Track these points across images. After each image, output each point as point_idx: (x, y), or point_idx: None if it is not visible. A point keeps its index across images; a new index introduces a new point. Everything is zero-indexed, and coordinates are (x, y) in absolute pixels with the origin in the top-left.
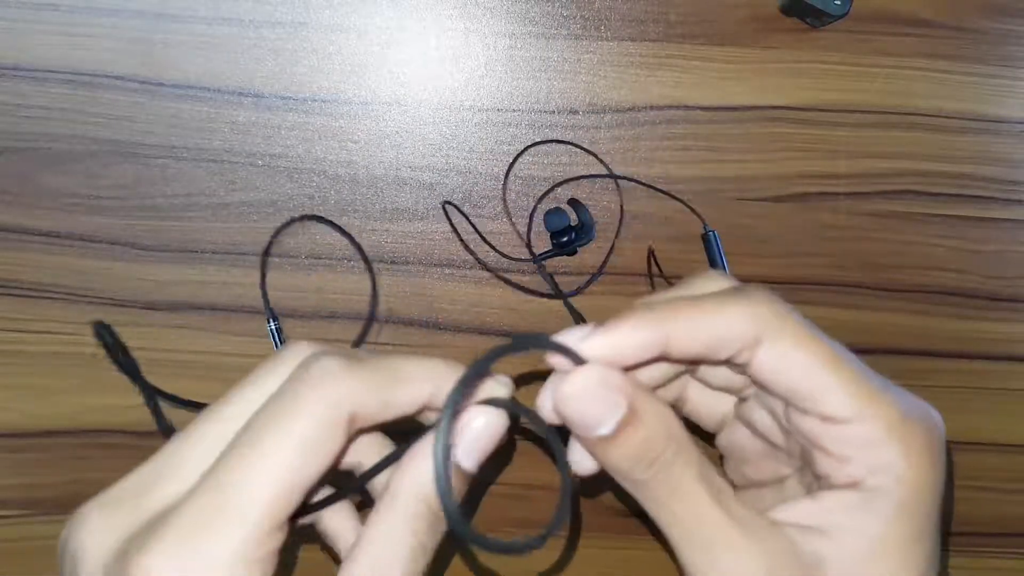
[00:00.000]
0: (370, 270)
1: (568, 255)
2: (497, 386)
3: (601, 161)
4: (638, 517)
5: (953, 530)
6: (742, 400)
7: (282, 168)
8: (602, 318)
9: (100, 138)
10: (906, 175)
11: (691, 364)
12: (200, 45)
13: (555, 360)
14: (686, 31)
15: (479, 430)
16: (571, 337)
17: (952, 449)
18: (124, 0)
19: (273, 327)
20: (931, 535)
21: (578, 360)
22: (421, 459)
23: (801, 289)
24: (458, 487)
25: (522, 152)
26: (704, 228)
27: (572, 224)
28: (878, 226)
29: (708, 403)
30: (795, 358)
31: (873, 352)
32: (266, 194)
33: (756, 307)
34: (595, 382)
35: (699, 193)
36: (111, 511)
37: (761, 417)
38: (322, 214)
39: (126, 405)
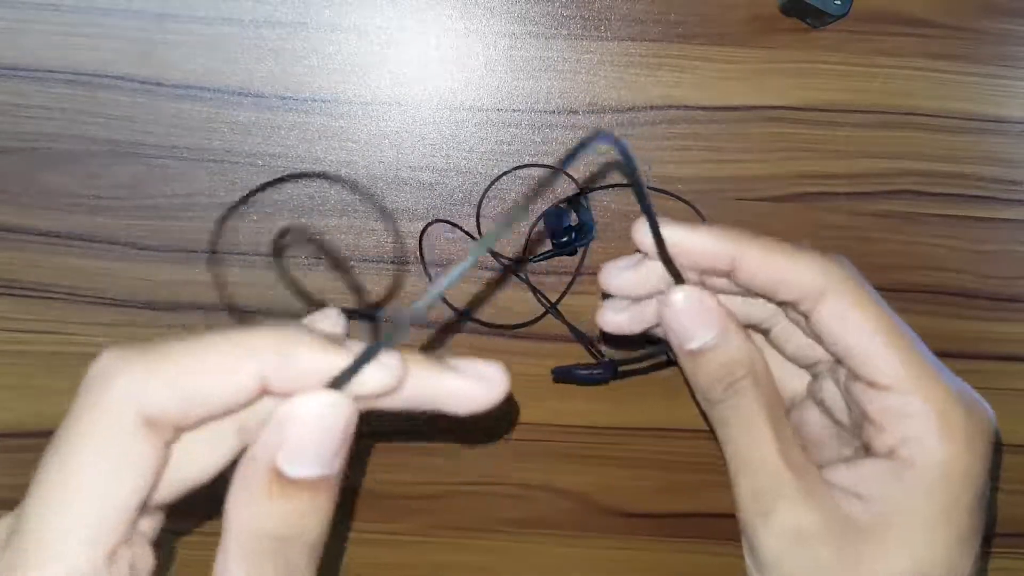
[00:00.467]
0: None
1: (568, 255)
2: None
3: (570, 177)
4: (638, 517)
5: None
6: (814, 377)
7: (282, 168)
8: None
9: (100, 138)
10: (906, 175)
11: (757, 292)
12: (200, 45)
13: (641, 238)
14: (686, 31)
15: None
16: (667, 226)
17: None
18: (124, 0)
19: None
20: (961, 519)
21: (660, 241)
22: (243, 500)
23: None
24: (286, 509)
25: (495, 181)
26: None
27: (572, 224)
28: (878, 226)
29: (781, 377)
30: (854, 318)
31: None
32: (266, 194)
33: (828, 262)
34: (696, 299)
35: (699, 193)
36: None
37: (830, 392)
38: (322, 214)
39: None
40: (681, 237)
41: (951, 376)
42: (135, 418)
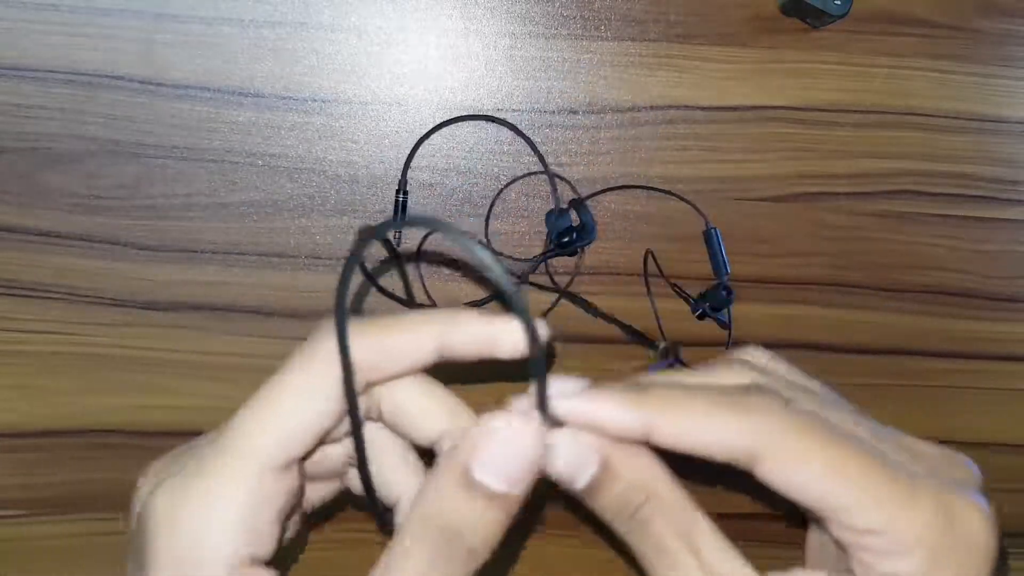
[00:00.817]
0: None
1: (569, 255)
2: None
3: (538, 154)
4: None
5: None
6: None
7: (282, 168)
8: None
9: (100, 138)
10: (906, 175)
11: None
12: (200, 45)
13: (520, 407)
14: (686, 31)
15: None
16: (557, 389)
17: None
18: (124, 0)
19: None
20: None
21: (546, 409)
22: (433, 486)
23: (801, 289)
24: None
25: (430, 133)
26: (706, 225)
27: (574, 225)
28: (878, 226)
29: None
30: (805, 474)
31: (873, 352)
32: (266, 194)
33: (752, 421)
34: (568, 440)
35: (699, 193)
36: (163, 463)
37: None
38: (322, 214)
39: (126, 405)
40: (582, 408)
41: (933, 472)
42: (335, 361)
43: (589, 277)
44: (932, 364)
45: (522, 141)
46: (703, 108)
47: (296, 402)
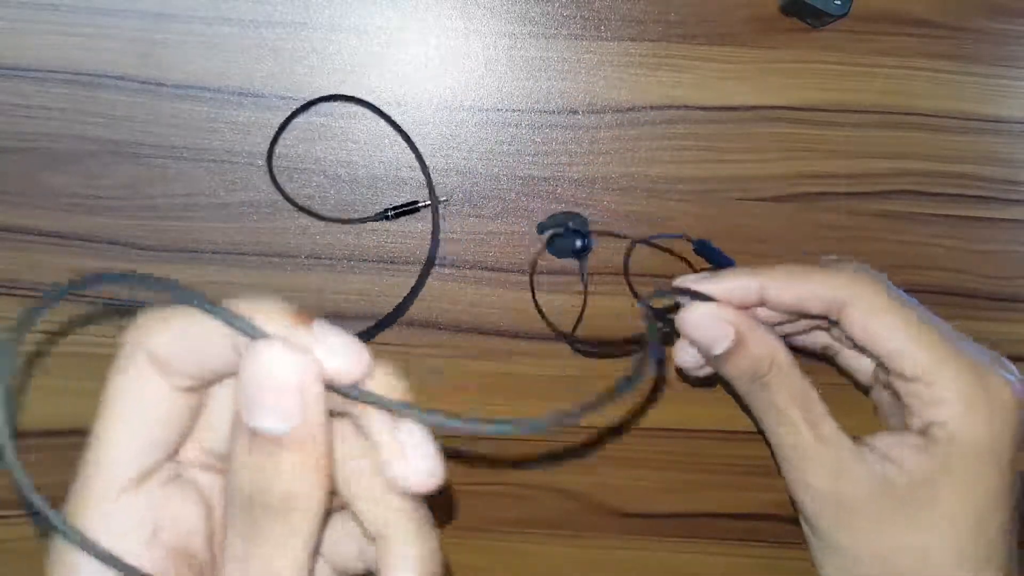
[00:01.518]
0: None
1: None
2: None
3: (414, 147)
4: (638, 517)
5: None
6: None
7: (282, 168)
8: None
9: (100, 138)
10: (906, 175)
11: (791, 313)
12: (200, 45)
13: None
14: (686, 31)
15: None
16: (689, 280)
17: None
18: (124, 0)
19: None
20: (984, 494)
21: (704, 298)
22: (231, 448)
23: None
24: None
25: (288, 120)
26: (691, 241)
27: (576, 248)
28: (878, 226)
29: (852, 358)
30: (874, 323)
31: None
32: (266, 194)
33: (843, 276)
34: (709, 315)
35: (699, 193)
36: None
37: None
38: (322, 214)
39: None
40: (712, 288)
41: (978, 353)
42: (145, 359)
43: (588, 277)
44: None
45: (522, 140)
46: (703, 108)
47: (120, 417)
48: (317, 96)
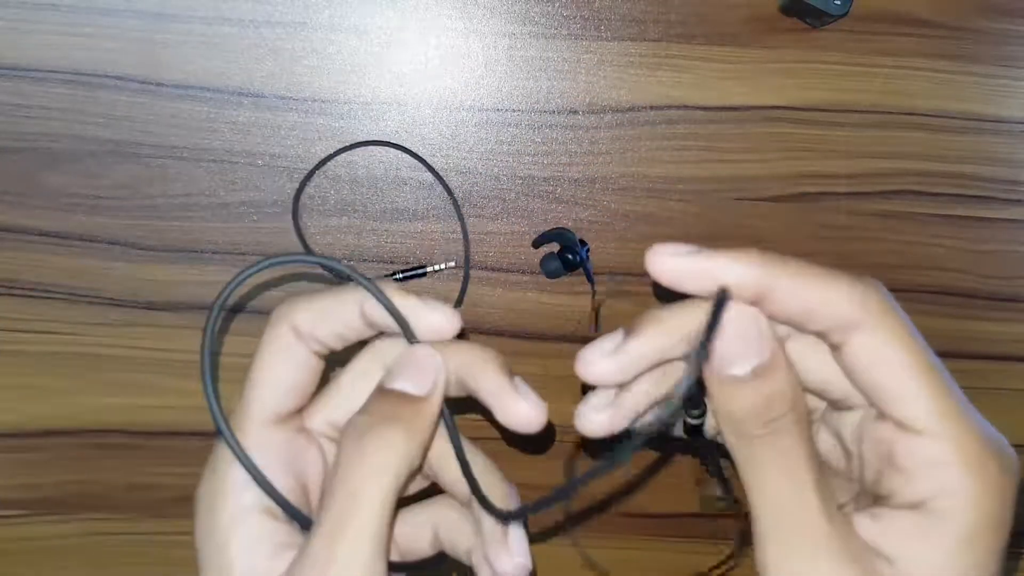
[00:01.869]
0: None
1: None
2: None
3: (431, 169)
4: (638, 517)
5: None
6: (831, 406)
7: (282, 168)
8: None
9: (100, 138)
10: (906, 175)
11: (784, 322)
12: (200, 45)
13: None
14: (686, 31)
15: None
16: (682, 252)
17: None
18: (124, 0)
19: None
20: (989, 569)
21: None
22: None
23: None
24: None
25: (319, 166)
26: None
27: (571, 263)
28: (878, 226)
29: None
30: (890, 353)
31: None
32: (266, 194)
33: (865, 290)
34: (750, 317)
35: (699, 193)
36: None
37: (826, 437)
38: (322, 214)
39: (126, 405)
40: (704, 264)
41: (980, 417)
42: (286, 325)
43: (595, 278)
44: None
45: (522, 140)
46: (703, 108)
47: (268, 368)
48: (316, 96)
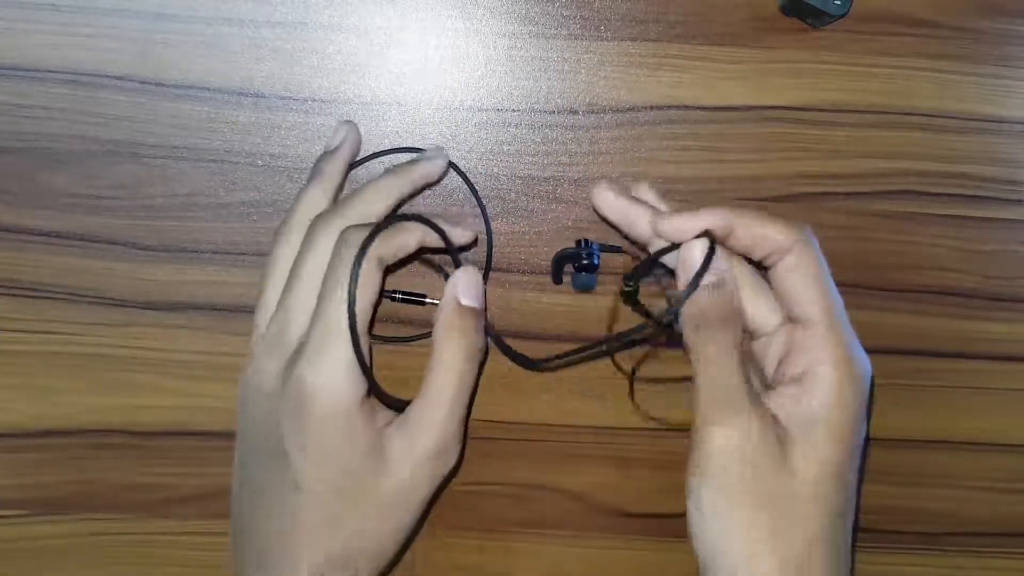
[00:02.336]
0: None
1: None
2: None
3: (467, 181)
4: (638, 517)
5: (953, 530)
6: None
7: (282, 168)
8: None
9: (100, 138)
10: (906, 175)
11: (741, 252)
12: (200, 45)
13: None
14: (686, 31)
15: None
16: (670, 217)
17: (952, 449)
18: (124, 0)
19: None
20: (849, 437)
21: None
22: (443, 307)
23: None
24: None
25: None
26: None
27: (591, 243)
28: (878, 226)
29: (751, 303)
30: (803, 269)
31: (873, 352)
32: (266, 194)
33: (796, 229)
34: (718, 254)
35: (699, 193)
36: (270, 353)
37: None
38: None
39: (126, 405)
40: (693, 221)
41: (854, 336)
42: (373, 262)
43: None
44: (932, 364)
45: (522, 140)
46: (703, 108)
47: (360, 293)
48: (316, 96)
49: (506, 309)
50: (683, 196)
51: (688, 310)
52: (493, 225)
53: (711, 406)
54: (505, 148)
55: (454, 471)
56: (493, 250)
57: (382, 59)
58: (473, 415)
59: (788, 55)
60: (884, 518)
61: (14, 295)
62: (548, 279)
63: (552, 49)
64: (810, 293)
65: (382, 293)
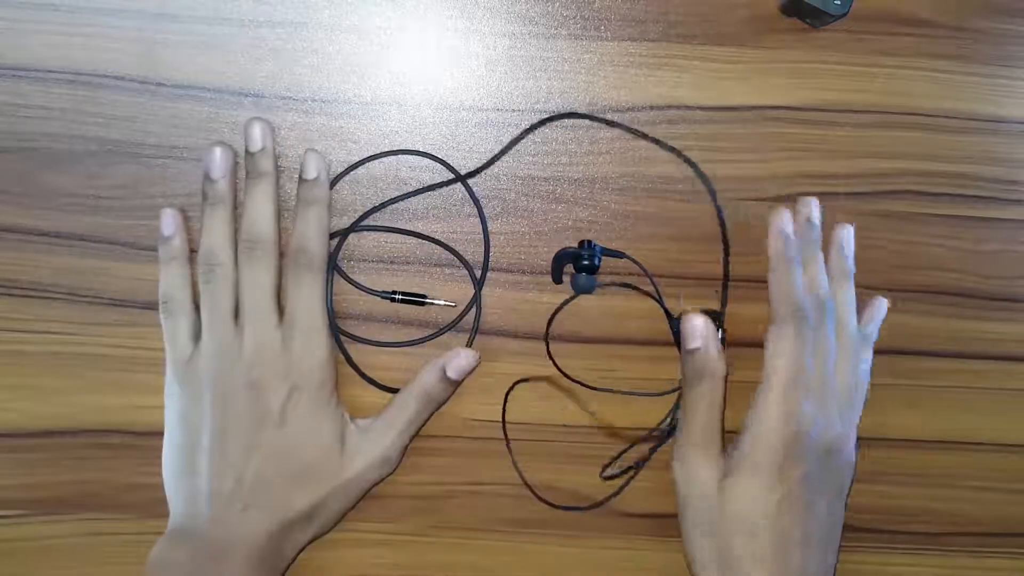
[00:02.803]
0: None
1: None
2: None
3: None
4: (638, 517)
5: (953, 530)
6: None
7: (282, 168)
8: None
9: (100, 138)
10: (906, 175)
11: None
12: (200, 45)
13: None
14: (686, 31)
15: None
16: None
17: (952, 449)
18: (124, 0)
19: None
20: (766, 481)
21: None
22: (426, 375)
23: None
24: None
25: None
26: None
27: (593, 269)
28: (878, 226)
29: None
30: (772, 341)
31: (873, 352)
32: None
33: (785, 310)
34: (701, 320)
35: (699, 193)
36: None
37: None
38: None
39: (126, 405)
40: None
41: (799, 400)
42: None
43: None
44: (932, 364)
45: (522, 140)
46: (703, 108)
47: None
48: (316, 96)
49: (506, 309)
50: (683, 196)
51: (685, 368)
52: (493, 225)
53: (687, 443)
54: (505, 148)
55: (389, 475)
56: (491, 250)
57: (382, 59)
58: (473, 415)
59: (788, 55)
60: (884, 518)
61: (14, 295)
62: (548, 279)
63: (552, 49)
64: (770, 360)
65: (383, 294)
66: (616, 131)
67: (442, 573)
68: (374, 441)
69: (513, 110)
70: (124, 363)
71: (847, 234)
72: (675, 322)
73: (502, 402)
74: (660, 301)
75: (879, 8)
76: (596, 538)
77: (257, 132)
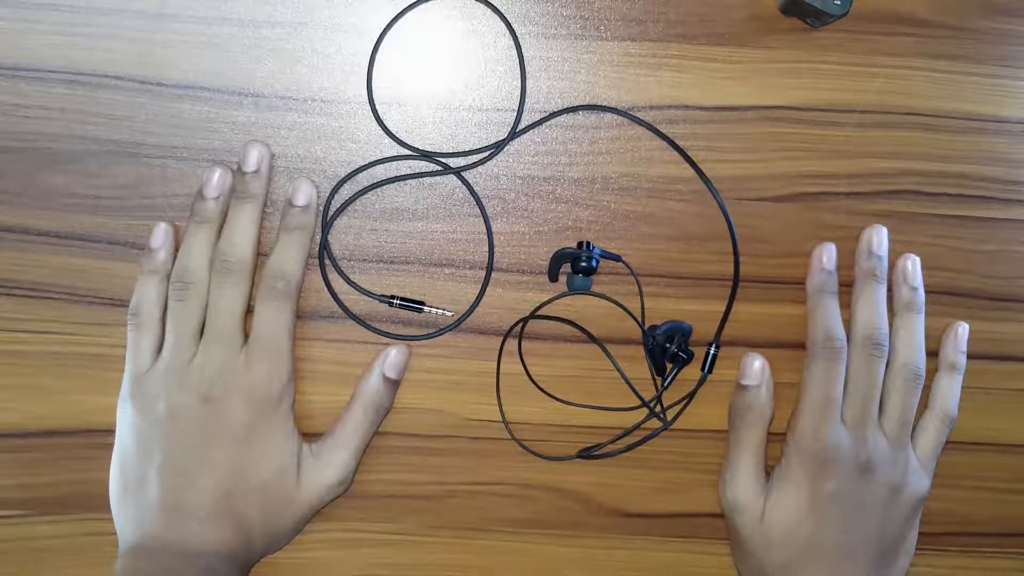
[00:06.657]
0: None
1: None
2: None
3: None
4: (636, 517)
5: (953, 530)
6: None
7: (282, 168)
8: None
9: (100, 138)
10: (906, 175)
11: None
12: (200, 45)
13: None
14: (686, 31)
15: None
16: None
17: (951, 449)
18: (124, 0)
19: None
20: (796, 503)
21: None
22: (368, 379)
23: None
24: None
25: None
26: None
27: (592, 247)
28: None
29: None
30: (807, 371)
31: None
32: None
33: (817, 342)
34: (760, 362)
35: (699, 193)
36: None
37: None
38: (320, 213)
39: None
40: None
41: (822, 418)
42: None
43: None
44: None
45: (522, 140)
46: (703, 108)
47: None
48: (316, 96)
49: (506, 309)
50: (683, 196)
51: (737, 400)
52: (493, 225)
53: (731, 477)
54: (506, 148)
55: (345, 492)
56: (495, 250)
57: (382, 59)
58: (473, 415)
59: (788, 55)
60: None
61: (14, 295)
62: (547, 278)
63: (552, 49)
64: (802, 391)
65: (382, 298)
66: (616, 131)
67: (442, 573)
68: (329, 464)
69: (513, 110)
70: (124, 363)
71: (913, 264)
72: (649, 337)
73: (496, 401)
74: (641, 321)
75: (879, 8)
76: (596, 538)
77: (254, 155)
